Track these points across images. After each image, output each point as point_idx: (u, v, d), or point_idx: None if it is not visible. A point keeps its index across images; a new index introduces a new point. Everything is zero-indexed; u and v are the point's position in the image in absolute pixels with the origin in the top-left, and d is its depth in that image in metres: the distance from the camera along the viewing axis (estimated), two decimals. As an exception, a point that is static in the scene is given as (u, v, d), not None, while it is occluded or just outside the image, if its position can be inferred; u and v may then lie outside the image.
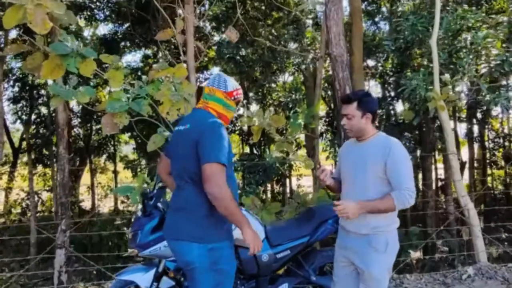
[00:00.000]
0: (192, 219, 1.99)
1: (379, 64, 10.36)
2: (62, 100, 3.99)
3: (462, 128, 15.09)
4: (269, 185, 12.89)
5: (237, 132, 12.17)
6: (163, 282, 2.55)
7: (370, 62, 12.28)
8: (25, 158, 14.11)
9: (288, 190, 13.67)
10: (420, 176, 10.15)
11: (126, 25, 13.03)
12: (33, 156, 12.50)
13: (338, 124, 5.50)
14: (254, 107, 13.58)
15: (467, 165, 14.31)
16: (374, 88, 14.11)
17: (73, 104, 13.28)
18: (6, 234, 11.75)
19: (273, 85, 11.05)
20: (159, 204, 2.57)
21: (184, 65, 4.79)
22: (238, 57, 8.97)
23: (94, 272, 8.14)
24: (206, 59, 14.33)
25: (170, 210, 2.16)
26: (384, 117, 8.78)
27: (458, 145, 16.33)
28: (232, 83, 2.22)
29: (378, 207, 2.23)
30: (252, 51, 9.11)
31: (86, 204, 16.29)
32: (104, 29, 16.13)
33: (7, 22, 3.72)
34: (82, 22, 15.10)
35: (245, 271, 2.67)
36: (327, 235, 2.79)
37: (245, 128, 11.25)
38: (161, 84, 4.66)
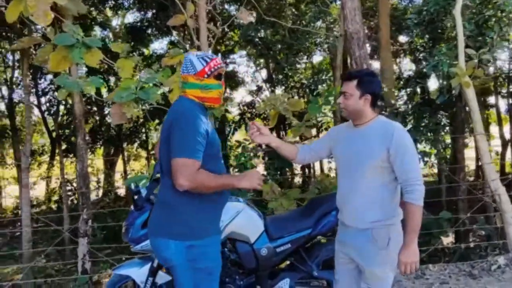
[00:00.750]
0: (170, 214, 1.88)
1: (410, 40, 9.79)
2: (68, 92, 3.96)
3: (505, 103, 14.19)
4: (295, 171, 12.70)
5: (261, 116, 12.01)
6: (159, 277, 2.47)
7: (403, 38, 11.66)
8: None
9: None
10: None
11: (152, 12, 13.09)
12: (63, 147, 12.93)
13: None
14: (278, 90, 13.41)
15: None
16: (408, 66, 13.46)
17: (104, 93, 13.55)
18: (48, 221, 12.31)
19: (298, 66, 10.73)
20: (152, 197, 2.47)
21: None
22: (257, 39, 8.71)
23: (124, 258, 8.34)
24: (231, 42, 14.19)
25: (155, 205, 2.06)
26: (415, 95, 8.32)
27: (500, 122, 15.32)
28: (200, 61, 1.98)
29: (415, 223, 2.01)
30: (273, 32, 8.81)
31: (121, 191, 16.78)
32: (131, 17, 16.19)
33: (9, 16, 3.72)
34: (109, 12, 15.32)
35: (244, 265, 2.56)
36: (331, 228, 2.59)
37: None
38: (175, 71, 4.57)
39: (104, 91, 13.42)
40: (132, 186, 2.50)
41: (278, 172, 6.42)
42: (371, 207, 2.10)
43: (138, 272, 2.46)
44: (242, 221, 2.53)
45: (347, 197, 2.18)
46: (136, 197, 2.37)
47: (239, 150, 5.93)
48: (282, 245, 2.55)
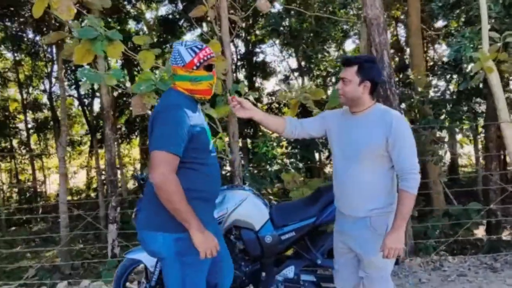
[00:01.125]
0: (158, 207, 1.83)
1: (445, 25, 9.37)
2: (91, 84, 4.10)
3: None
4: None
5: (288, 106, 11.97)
6: None
7: (440, 23, 11.19)
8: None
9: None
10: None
11: (182, 4, 13.27)
12: (99, 137, 13.46)
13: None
14: (307, 79, 13.23)
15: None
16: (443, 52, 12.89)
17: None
18: (86, 208, 12.97)
19: (326, 54, 10.53)
20: None
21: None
22: (282, 28, 8.62)
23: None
24: (263, 32, 14.13)
25: (143, 198, 2.07)
26: (450, 82, 7.99)
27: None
28: (188, 51, 1.90)
29: (406, 211, 2.00)
30: (299, 20, 8.69)
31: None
32: (163, 10, 16.45)
33: (35, 11, 3.90)
34: (142, 5, 15.68)
35: (249, 252, 2.60)
36: (335, 217, 2.58)
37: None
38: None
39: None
40: (138, 173, 2.59)
41: (298, 161, 6.39)
42: (369, 195, 2.08)
43: (149, 257, 2.54)
44: (247, 209, 2.56)
45: (345, 186, 2.16)
46: (142, 183, 2.44)
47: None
48: (287, 233, 2.56)
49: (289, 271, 2.62)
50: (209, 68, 1.96)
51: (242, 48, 14.51)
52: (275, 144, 5.81)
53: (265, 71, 14.83)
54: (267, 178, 5.55)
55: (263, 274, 2.62)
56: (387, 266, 2.14)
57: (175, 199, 1.73)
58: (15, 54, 14.04)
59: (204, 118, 2.07)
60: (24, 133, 15.82)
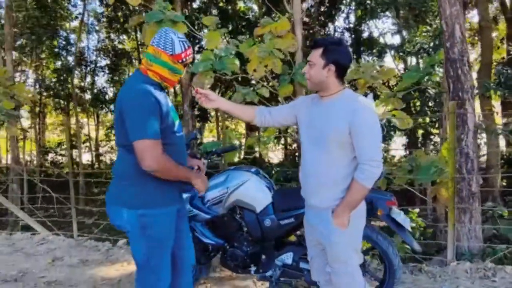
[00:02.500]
0: (124, 185, 1.95)
1: None
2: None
3: None
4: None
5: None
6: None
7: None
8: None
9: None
10: None
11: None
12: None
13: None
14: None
15: None
16: None
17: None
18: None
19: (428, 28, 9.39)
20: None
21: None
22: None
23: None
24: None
25: (113, 176, 2.12)
26: None
27: None
28: (181, 44, 1.94)
29: (353, 200, 1.92)
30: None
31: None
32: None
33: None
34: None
35: (250, 233, 2.60)
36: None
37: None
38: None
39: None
40: (192, 132, 2.79)
41: None
42: (332, 185, 1.95)
43: None
44: (248, 190, 2.57)
45: (309, 174, 2.03)
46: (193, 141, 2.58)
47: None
48: (286, 218, 2.50)
49: (288, 257, 2.57)
50: (185, 66, 2.04)
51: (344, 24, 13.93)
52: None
53: (372, 47, 14.04)
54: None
55: (263, 256, 2.63)
56: (352, 260, 1.99)
57: (173, 171, 1.90)
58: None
59: (169, 101, 2.11)
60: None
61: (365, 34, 13.74)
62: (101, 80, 19.54)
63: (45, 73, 17.70)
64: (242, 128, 21.54)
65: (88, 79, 19.29)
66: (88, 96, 19.29)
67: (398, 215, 2.37)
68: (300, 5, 5.46)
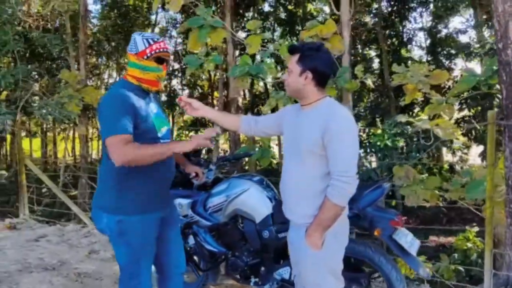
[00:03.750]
0: (104, 189, 1.97)
1: None
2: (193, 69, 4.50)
3: None
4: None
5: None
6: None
7: None
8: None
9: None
10: None
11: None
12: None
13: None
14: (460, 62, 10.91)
15: None
16: None
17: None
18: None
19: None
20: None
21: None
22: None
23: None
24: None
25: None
26: None
27: None
28: (143, 41, 1.94)
29: (325, 218, 1.76)
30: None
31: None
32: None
33: (154, 5, 4.56)
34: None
35: (250, 244, 2.52)
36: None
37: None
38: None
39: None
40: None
41: (418, 154, 5.48)
42: (306, 200, 1.80)
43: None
44: (247, 200, 2.48)
45: (285, 186, 1.90)
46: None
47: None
48: (284, 231, 2.37)
49: (286, 272, 2.43)
50: (159, 61, 2.00)
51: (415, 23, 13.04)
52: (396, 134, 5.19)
53: (449, 47, 13.01)
54: (376, 171, 5.03)
55: (263, 268, 2.52)
56: (328, 285, 1.82)
57: (147, 153, 1.83)
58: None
59: (156, 107, 2.09)
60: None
61: (441, 35, 12.74)
62: (173, 82, 20.57)
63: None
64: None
65: (164, 82, 20.48)
66: (164, 97, 20.46)
67: (404, 237, 2.14)
68: (348, 6, 5.22)
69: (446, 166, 11.06)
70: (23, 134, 16.31)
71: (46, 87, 12.53)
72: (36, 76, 12.75)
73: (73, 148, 21.12)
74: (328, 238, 1.79)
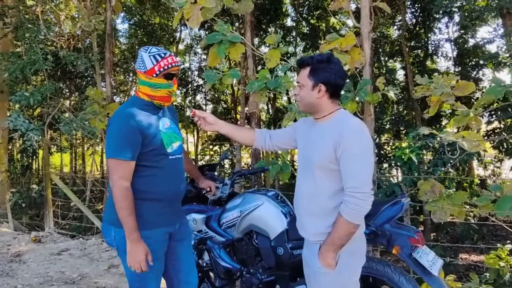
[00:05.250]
0: (112, 203, 1.94)
1: None
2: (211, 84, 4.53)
3: None
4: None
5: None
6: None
7: None
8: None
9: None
10: None
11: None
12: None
13: None
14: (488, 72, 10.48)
15: None
16: None
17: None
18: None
19: None
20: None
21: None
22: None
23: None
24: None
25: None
26: None
27: None
28: (150, 59, 1.93)
29: (338, 237, 1.69)
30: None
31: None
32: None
33: (174, 22, 4.64)
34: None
35: (265, 260, 2.45)
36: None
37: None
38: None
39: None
40: (225, 152, 2.83)
41: (445, 168, 5.25)
42: (318, 217, 1.73)
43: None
44: (261, 215, 2.43)
45: (298, 202, 1.83)
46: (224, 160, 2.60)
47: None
48: (299, 248, 2.29)
49: None
50: (168, 76, 1.99)
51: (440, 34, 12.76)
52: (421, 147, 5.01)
53: (478, 57, 12.66)
54: (399, 185, 4.84)
55: (278, 286, 2.45)
56: None
57: (121, 205, 1.84)
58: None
59: (169, 121, 2.08)
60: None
61: (468, 46, 12.42)
62: (197, 97, 20.89)
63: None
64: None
65: (189, 97, 20.79)
66: (188, 113, 20.79)
67: (425, 255, 2.03)
68: (368, 19, 5.17)
69: (476, 180, 10.63)
70: (54, 149, 16.80)
71: (75, 103, 13.00)
72: (66, 93, 13.21)
73: (101, 162, 21.66)
74: (342, 257, 1.72)
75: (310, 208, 1.80)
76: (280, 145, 2.14)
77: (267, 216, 2.45)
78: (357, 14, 5.38)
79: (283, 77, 4.36)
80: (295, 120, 4.17)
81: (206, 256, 2.70)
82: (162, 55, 1.98)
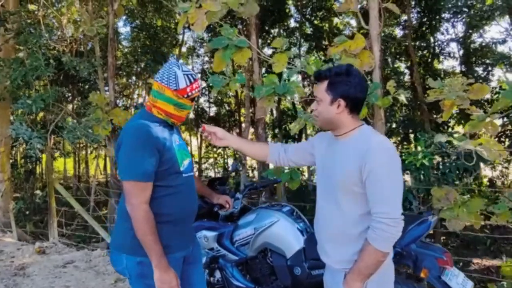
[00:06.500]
0: (122, 228, 1.86)
1: None
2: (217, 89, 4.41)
3: None
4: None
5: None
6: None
7: None
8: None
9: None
10: None
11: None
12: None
13: None
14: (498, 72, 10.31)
15: None
16: None
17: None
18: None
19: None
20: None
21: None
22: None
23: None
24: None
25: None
26: None
27: None
28: (185, 78, 1.83)
29: (366, 266, 1.55)
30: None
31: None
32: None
33: (179, 26, 4.53)
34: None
35: (280, 280, 2.33)
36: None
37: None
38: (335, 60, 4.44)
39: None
40: (234, 163, 2.70)
41: (460, 174, 5.09)
42: (343, 243, 1.60)
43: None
44: (276, 233, 2.31)
45: (319, 226, 1.70)
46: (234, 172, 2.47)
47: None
48: (318, 268, 2.17)
49: None
50: (193, 100, 1.94)
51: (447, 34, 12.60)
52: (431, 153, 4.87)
53: (485, 58, 12.49)
54: (412, 191, 4.72)
55: (294, 308, 2.33)
56: None
57: (143, 230, 1.71)
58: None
59: (178, 138, 1.97)
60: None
61: (475, 45, 12.26)
62: (201, 100, 20.81)
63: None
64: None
65: (192, 99, 20.72)
66: (191, 115, 20.67)
67: (454, 278, 1.90)
68: (377, 20, 5.04)
69: (485, 181, 10.46)
70: (57, 154, 16.73)
71: (78, 108, 12.90)
72: (69, 97, 13.11)
73: (105, 166, 21.60)
74: (370, 286, 1.59)
75: (333, 234, 1.67)
76: (295, 161, 2.01)
77: (283, 233, 2.32)
78: (364, 16, 5.23)
79: (291, 82, 4.24)
80: (305, 127, 4.05)
81: (218, 275, 2.58)
82: (195, 76, 1.90)
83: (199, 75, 1.89)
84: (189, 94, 1.87)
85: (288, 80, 4.33)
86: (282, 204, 2.55)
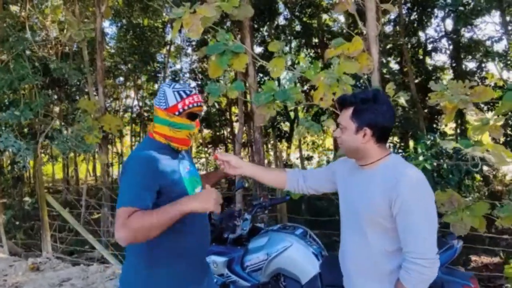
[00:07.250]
0: (130, 269, 1.72)
1: None
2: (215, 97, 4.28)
3: None
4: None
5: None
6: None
7: None
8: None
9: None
10: None
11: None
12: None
13: None
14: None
15: None
16: None
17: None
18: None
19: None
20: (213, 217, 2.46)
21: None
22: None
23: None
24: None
25: None
26: None
27: None
28: (174, 95, 1.70)
29: None
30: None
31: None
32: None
33: (173, 33, 4.37)
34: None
35: (294, 306, 2.24)
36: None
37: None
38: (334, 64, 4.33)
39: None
40: (241, 181, 2.54)
41: (462, 177, 5.07)
42: (371, 279, 1.49)
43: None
44: (290, 258, 2.21)
45: (345, 258, 1.61)
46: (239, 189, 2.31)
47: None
48: None
49: None
50: (192, 117, 1.75)
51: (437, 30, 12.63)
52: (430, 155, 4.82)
53: (474, 52, 12.52)
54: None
55: (311, 337, 2.23)
56: None
57: (152, 222, 1.48)
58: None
59: (189, 164, 1.83)
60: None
61: (464, 40, 12.28)
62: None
63: (146, 96, 19.18)
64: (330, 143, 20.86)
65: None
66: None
67: (482, 305, 1.82)
68: (375, 21, 4.94)
69: (478, 177, 10.49)
70: (45, 158, 16.38)
71: (66, 112, 12.60)
72: (55, 100, 12.80)
73: (94, 168, 21.27)
74: None
75: (363, 269, 1.57)
76: (316, 189, 1.90)
77: (297, 258, 2.22)
78: (360, 15, 5.14)
79: (291, 88, 4.12)
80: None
81: (228, 301, 2.47)
82: (188, 92, 1.74)
83: (194, 90, 1.70)
84: (181, 110, 1.71)
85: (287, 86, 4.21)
86: (294, 226, 2.45)
